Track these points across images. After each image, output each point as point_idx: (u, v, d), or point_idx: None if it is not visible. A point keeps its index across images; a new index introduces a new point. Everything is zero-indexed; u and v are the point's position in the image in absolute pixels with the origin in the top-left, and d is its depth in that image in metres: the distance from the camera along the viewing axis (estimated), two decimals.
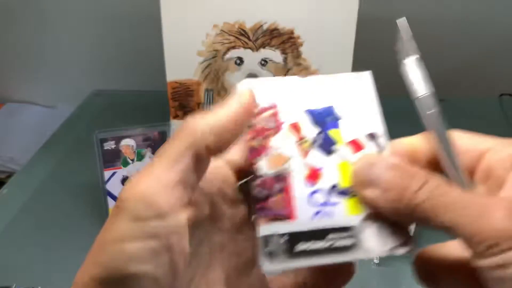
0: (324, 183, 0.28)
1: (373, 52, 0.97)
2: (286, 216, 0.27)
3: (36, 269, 0.67)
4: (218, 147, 0.25)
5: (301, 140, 0.28)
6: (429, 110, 0.28)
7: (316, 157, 0.28)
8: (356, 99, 0.29)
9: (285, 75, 0.75)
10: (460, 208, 0.23)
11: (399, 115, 0.89)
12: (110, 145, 0.71)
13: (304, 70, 0.74)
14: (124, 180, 0.71)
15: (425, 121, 0.28)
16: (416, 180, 0.25)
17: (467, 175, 0.27)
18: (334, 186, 0.28)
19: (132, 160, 0.72)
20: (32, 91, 1.26)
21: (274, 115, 0.28)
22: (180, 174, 0.23)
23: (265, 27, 0.73)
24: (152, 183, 0.23)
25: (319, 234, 0.27)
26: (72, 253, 0.70)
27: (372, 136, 0.29)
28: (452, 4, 1.03)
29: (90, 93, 1.13)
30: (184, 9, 0.72)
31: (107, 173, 0.70)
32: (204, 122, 0.25)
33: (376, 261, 0.65)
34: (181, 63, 0.75)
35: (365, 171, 0.26)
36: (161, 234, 0.22)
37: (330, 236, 0.27)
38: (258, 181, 0.27)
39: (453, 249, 0.27)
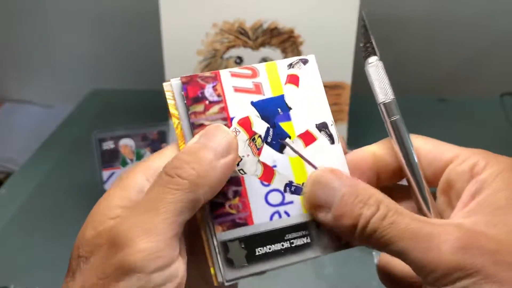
0: (278, 181, 0.27)
1: None
2: (244, 221, 0.26)
3: (35, 270, 0.66)
4: (211, 198, 0.25)
5: (252, 136, 0.27)
6: (392, 117, 0.27)
7: (269, 154, 0.27)
8: (304, 86, 0.28)
9: None
10: (409, 238, 0.23)
11: (400, 112, 0.89)
12: (108, 145, 0.70)
13: None
14: None
15: (387, 127, 0.28)
16: (367, 207, 0.25)
17: (429, 184, 0.27)
18: (288, 184, 0.27)
19: (131, 160, 0.71)
20: (30, 91, 1.25)
21: (222, 110, 0.27)
22: (179, 228, 0.24)
23: (265, 26, 0.72)
24: (157, 239, 0.23)
25: (278, 235, 0.26)
26: (70, 254, 0.70)
27: (322, 126, 0.28)
28: (453, 3, 1.02)
29: (88, 92, 1.13)
30: (184, 8, 0.72)
31: (105, 173, 0.70)
32: (206, 176, 0.24)
33: (376, 261, 0.64)
34: (181, 62, 0.74)
35: (316, 195, 0.26)
36: (164, 283, 0.23)
37: (288, 236, 0.26)
38: None
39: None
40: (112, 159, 0.70)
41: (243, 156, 0.27)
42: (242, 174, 0.27)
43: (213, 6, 0.72)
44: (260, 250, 0.26)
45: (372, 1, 0.82)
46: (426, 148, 0.28)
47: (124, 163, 0.71)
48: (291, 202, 0.27)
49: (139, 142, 0.72)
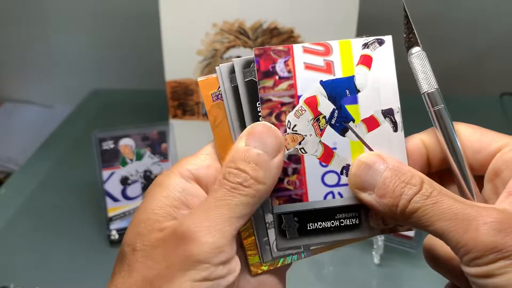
0: (336, 163, 0.28)
1: None
2: (300, 197, 0.28)
3: (34, 269, 0.66)
4: (265, 199, 0.27)
5: (317, 116, 0.27)
6: (436, 107, 0.28)
7: (331, 136, 0.27)
8: (376, 69, 0.28)
9: None
10: (449, 218, 0.24)
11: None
12: (108, 144, 0.70)
13: None
14: (123, 180, 0.71)
15: (431, 117, 0.28)
16: (410, 187, 0.25)
17: (475, 172, 0.28)
18: (346, 167, 0.28)
19: (131, 159, 0.71)
20: (30, 91, 1.25)
21: (291, 87, 0.27)
22: (238, 229, 0.26)
23: (265, 26, 0.72)
24: (226, 232, 0.25)
25: (329, 213, 0.28)
26: (70, 253, 0.70)
27: (388, 113, 0.28)
28: (453, 3, 1.02)
29: (88, 92, 1.13)
30: (184, 8, 0.72)
31: (105, 173, 0.70)
32: (267, 183, 0.26)
33: (376, 261, 0.65)
34: (180, 62, 0.74)
35: (361, 175, 0.27)
36: (227, 274, 0.25)
37: (338, 215, 0.28)
38: None
39: None
40: (112, 159, 0.70)
41: (306, 136, 0.27)
42: (302, 153, 0.27)
43: (213, 6, 0.72)
44: (312, 225, 0.28)
45: (372, 1, 0.82)
46: (475, 136, 0.28)
47: (124, 163, 0.71)
48: (346, 185, 0.28)
49: (139, 142, 0.72)
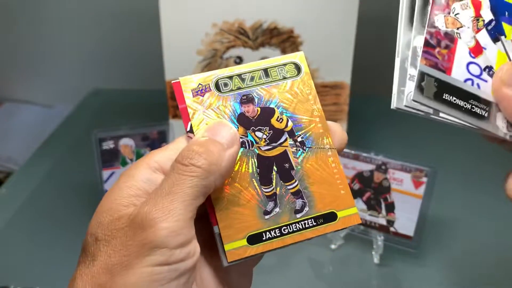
0: (482, 60, 0.32)
1: (373, 52, 0.97)
2: (445, 68, 0.31)
3: (34, 269, 0.66)
4: (221, 185, 0.29)
5: (477, 17, 0.32)
6: None
7: (484, 38, 0.32)
8: None
9: None
10: None
11: (399, 112, 0.89)
12: (108, 144, 0.70)
13: None
14: None
15: None
16: None
17: None
18: (489, 67, 0.32)
19: (131, 159, 0.71)
20: (30, 91, 1.25)
21: None
22: (194, 211, 0.27)
23: (264, 26, 0.72)
24: (181, 215, 0.26)
25: (464, 95, 0.31)
26: (70, 253, 0.70)
27: None
28: None
29: (88, 92, 1.13)
30: (183, 8, 0.72)
31: (105, 173, 0.70)
32: (217, 164, 0.27)
33: (376, 261, 0.65)
34: (180, 62, 0.75)
35: (510, 73, 0.31)
36: (188, 257, 0.26)
37: (472, 101, 0.31)
38: (432, 29, 0.31)
39: None
40: (112, 158, 0.71)
41: (464, 25, 0.31)
42: (458, 36, 0.31)
43: (213, 6, 0.72)
44: (447, 96, 0.30)
45: (371, 1, 0.82)
46: None
47: (124, 163, 0.71)
48: (485, 80, 0.31)
49: (139, 142, 0.72)
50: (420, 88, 0.30)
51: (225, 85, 0.31)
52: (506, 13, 0.32)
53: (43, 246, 0.70)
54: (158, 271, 0.25)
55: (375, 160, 0.65)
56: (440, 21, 0.31)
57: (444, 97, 0.30)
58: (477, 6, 0.32)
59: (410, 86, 0.30)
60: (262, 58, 0.74)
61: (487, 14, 0.32)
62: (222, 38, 0.73)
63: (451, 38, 0.31)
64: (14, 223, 0.75)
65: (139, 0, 1.07)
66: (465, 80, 0.31)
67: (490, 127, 0.31)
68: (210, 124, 0.30)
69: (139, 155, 0.72)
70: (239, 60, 0.74)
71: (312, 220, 0.30)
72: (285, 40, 0.73)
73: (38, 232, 0.73)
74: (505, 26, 0.32)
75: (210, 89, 0.31)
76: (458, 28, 0.31)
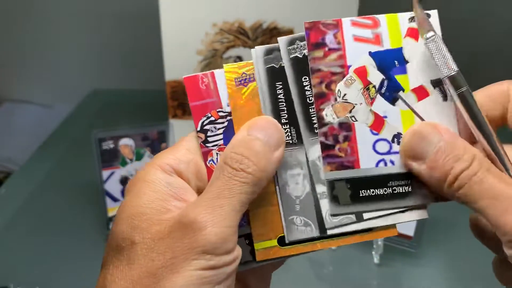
0: (387, 131, 0.28)
1: None
2: (352, 164, 0.28)
3: (34, 269, 0.66)
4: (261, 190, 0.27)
5: (366, 86, 0.28)
6: (459, 89, 0.28)
7: (381, 105, 0.28)
8: (422, 41, 0.28)
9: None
10: (491, 197, 0.25)
11: None
12: (108, 144, 0.70)
13: None
14: (122, 179, 0.71)
15: (455, 100, 0.28)
16: (460, 163, 0.26)
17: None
18: (397, 135, 0.28)
19: (131, 159, 0.71)
20: (30, 91, 1.25)
21: (341, 57, 0.28)
22: (240, 217, 0.26)
23: (264, 26, 0.72)
24: (229, 222, 0.25)
25: (381, 180, 0.28)
26: (70, 253, 0.70)
27: (438, 83, 0.28)
28: (452, 3, 1.02)
29: (88, 92, 1.13)
30: (184, 8, 0.72)
31: (105, 173, 0.70)
32: (265, 170, 0.26)
33: (376, 261, 0.64)
34: (180, 62, 0.74)
35: (414, 144, 0.27)
36: (232, 262, 0.25)
37: (391, 183, 0.28)
38: (324, 129, 0.27)
39: None
40: (112, 158, 0.70)
41: (356, 104, 0.28)
42: (353, 121, 0.28)
43: (213, 6, 0.72)
44: (364, 192, 0.28)
45: (371, 1, 0.82)
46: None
47: (124, 163, 0.71)
48: (397, 152, 0.28)
49: (139, 142, 0.72)
50: (334, 198, 0.28)
51: None
52: (396, 63, 0.28)
53: (43, 246, 0.70)
54: (206, 275, 0.24)
55: None
56: (329, 114, 0.27)
57: (361, 195, 0.28)
58: (362, 74, 0.28)
59: (325, 204, 0.28)
60: None
61: (376, 77, 0.28)
62: (222, 38, 0.73)
63: (347, 127, 0.28)
64: (14, 223, 0.75)
65: (139, 0, 1.07)
66: (377, 164, 0.28)
67: (418, 200, 0.28)
68: (254, 120, 0.28)
69: (138, 155, 0.72)
70: (239, 60, 0.74)
71: None
72: None
73: (38, 232, 0.73)
74: (399, 78, 0.28)
75: (254, 79, 0.29)
76: (350, 111, 0.28)
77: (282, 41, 0.28)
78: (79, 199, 0.77)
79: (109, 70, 1.19)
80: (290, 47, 0.28)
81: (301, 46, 0.28)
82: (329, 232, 0.28)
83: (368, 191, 0.28)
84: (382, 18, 0.29)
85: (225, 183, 0.26)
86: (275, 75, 0.28)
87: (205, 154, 0.28)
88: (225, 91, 0.28)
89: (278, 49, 0.29)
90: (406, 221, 0.28)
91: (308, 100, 0.28)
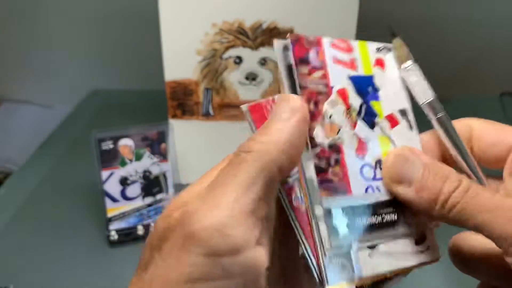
0: (370, 157, 0.27)
1: None
2: (344, 189, 0.26)
3: (34, 270, 0.66)
4: (289, 168, 0.24)
5: (348, 108, 0.27)
6: (438, 114, 0.28)
7: (363, 129, 0.27)
8: (388, 71, 0.29)
9: None
10: (491, 210, 0.24)
11: None
12: (108, 145, 0.70)
13: None
14: (122, 180, 0.71)
15: (434, 125, 0.28)
16: (449, 182, 0.25)
17: (492, 166, 0.28)
18: (379, 161, 0.27)
19: (130, 160, 0.71)
20: (29, 91, 1.25)
21: (324, 77, 0.27)
22: (252, 204, 0.21)
23: (264, 26, 0.72)
24: (224, 214, 0.20)
25: (373, 208, 0.27)
26: (70, 254, 0.70)
27: (404, 112, 0.29)
28: (452, 3, 1.02)
29: (88, 92, 1.13)
30: (183, 8, 0.72)
31: (105, 173, 0.70)
32: (273, 141, 0.22)
33: None
34: (180, 62, 0.74)
35: (398, 167, 0.26)
36: (237, 273, 0.20)
37: (380, 210, 0.27)
38: (317, 150, 0.26)
39: (482, 238, 0.27)
40: (111, 159, 0.70)
41: (341, 127, 0.27)
42: (341, 143, 0.27)
43: (213, 6, 0.72)
44: (359, 220, 0.26)
45: (371, 1, 0.82)
46: (491, 130, 0.28)
47: (123, 163, 0.71)
48: (381, 179, 0.27)
49: (139, 142, 0.72)
50: (333, 230, 0.25)
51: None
52: (370, 89, 0.28)
53: (42, 247, 0.70)
54: (204, 263, 0.20)
55: None
56: (320, 135, 0.26)
57: (356, 224, 0.26)
58: (344, 96, 0.27)
59: (323, 232, 0.25)
60: (262, 58, 0.74)
61: (355, 101, 0.27)
62: (222, 38, 0.73)
63: (337, 149, 0.26)
64: (13, 224, 0.74)
65: (139, 1, 1.07)
66: (366, 189, 0.27)
67: (406, 228, 0.27)
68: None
69: (138, 156, 0.72)
70: (238, 60, 0.74)
71: None
72: None
73: (37, 232, 0.73)
74: (374, 104, 0.28)
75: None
76: (338, 132, 0.26)
77: (277, 45, 0.27)
78: (78, 200, 0.77)
79: (108, 70, 1.19)
80: (285, 53, 0.27)
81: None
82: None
83: (362, 219, 0.26)
84: (355, 44, 0.29)
85: (223, 171, 0.22)
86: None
87: (289, 192, 0.27)
88: None
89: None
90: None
91: None
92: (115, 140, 0.71)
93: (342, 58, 0.28)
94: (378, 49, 0.29)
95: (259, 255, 0.21)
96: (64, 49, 1.19)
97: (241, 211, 0.21)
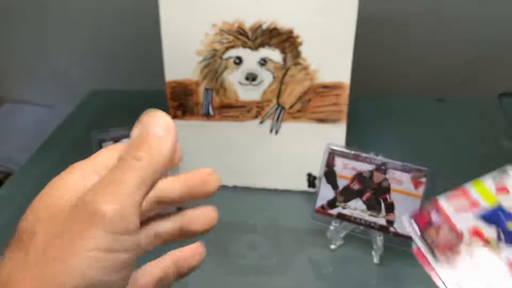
0: None
1: (373, 52, 0.97)
2: None
3: None
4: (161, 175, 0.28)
5: (486, 242, 0.31)
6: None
7: (507, 251, 0.31)
8: None
9: (284, 74, 0.74)
10: None
11: (398, 112, 0.89)
12: (108, 145, 0.70)
13: (303, 69, 0.74)
14: None
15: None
16: None
17: None
18: None
19: None
20: (30, 91, 1.25)
21: (452, 228, 0.31)
22: (142, 198, 0.25)
23: (264, 26, 0.72)
24: (127, 201, 0.24)
25: None
26: None
27: None
28: (451, 3, 1.02)
29: (88, 92, 1.13)
30: (183, 9, 0.72)
31: None
32: (163, 155, 0.27)
33: (376, 261, 0.65)
34: (180, 63, 0.75)
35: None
36: (131, 249, 0.25)
37: None
38: None
39: None
40: None
41: (484, 259, 0.31)
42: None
43: (213, 7, 0.72)
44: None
45: (371, 1, 0.82)
46: None
47: None
48: None
49: None
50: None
51: None
52: (501, 214, 0.33)
53: None
54: (103, 257, 0.23)
55: (375, 160, 0.65)
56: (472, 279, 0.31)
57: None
58: (478, 233, 0.32)
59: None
60: (262, 59, 0.75)
61: (491, 232, 0.33)
62: (222, 38, 0.73)
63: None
64: (13, 224, 0.74)
65: (139, 1, 1.07)
66: None
67: None
68: (141, 119, 0.31)
69: None
70: (238, 61, 0.74)
71: None
72: (285, 41, 0.73)
73: None
74: (510, 225, 0.32)
75: None
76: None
77: (405, 219, 0.35)
78: None
79: (109, 70, 1.19)
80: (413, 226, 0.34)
81: None
82: None
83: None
84: (469, 186, 0.33)
85: (118, 168, 0.26)
86: None
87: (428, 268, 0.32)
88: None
89: None
90: None
91: None
92: (116, 140, 0.71)
93: (462, 204, 0.32)
94: (494, 178, 0.33)
95: (141, 238, 0.27)
96: (64, 49, 1.19)
97: (136, 201, 0.25)
